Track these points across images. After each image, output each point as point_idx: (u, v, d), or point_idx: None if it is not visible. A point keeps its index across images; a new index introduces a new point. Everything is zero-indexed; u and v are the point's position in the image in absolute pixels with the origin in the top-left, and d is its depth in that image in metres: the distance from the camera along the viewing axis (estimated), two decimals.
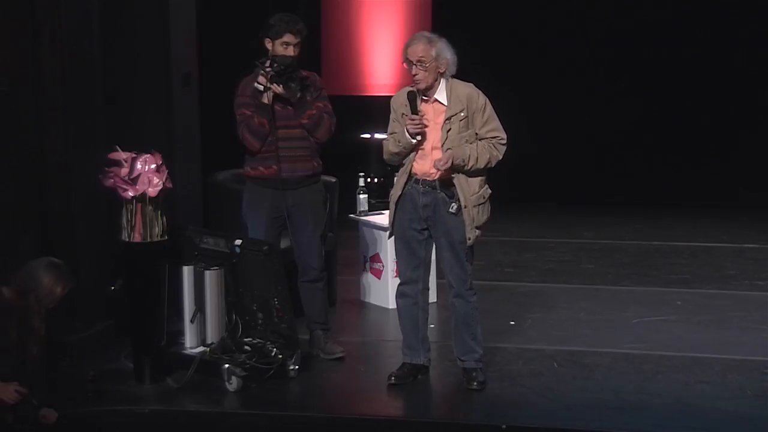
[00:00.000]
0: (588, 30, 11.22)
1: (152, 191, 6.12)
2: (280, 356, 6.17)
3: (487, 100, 6.03)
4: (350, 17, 11.33)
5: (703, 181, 10.96)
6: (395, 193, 6.11)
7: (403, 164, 6.07)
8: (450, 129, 5.95)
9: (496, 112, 6.05)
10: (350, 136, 9.83)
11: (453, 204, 5.99)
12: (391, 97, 6.20)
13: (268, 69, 6.34)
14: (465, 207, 5.97)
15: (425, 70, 5.91)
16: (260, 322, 6.28)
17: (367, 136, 10.22)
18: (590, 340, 6.96)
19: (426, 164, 6.01)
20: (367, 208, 7.95)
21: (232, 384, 6.06)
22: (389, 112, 6.15)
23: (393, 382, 6.20)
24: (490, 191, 6.07)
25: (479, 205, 6.01)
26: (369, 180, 8.21)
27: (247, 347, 6.22)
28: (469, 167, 5.94)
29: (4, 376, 5.24)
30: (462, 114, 5.96)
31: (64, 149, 6.64)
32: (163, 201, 6.19)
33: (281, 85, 6.33)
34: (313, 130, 6.46)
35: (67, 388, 5.99)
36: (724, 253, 9.19)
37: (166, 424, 5.88)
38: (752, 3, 10.80)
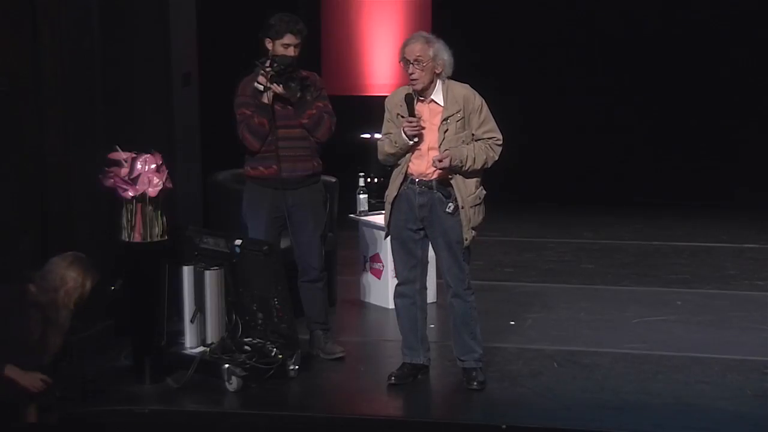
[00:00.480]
0: (588, 30, 11.22)
1: (152, 191, 6.12)
2: (280, 356, 6.17)
3: (484, 101, 6.03)
4: (350, 17, 11.33)
5: (703, 181, 10.96)
6: (391, 193, 6.11)
7: (399, 164, 6.07)
8: (447, 130, 5.95)
9: (492, 112, 6.05)
10: (350, 136, 9.83)
11: (450, 204, 5.99)
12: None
13: (268, 69, 6.34)
14: (462, 207, 5.97)
15: (422, 70, 5.91)
16: (260, 322, 6.28)
17: (367, 136, 10.21)
18: (590, 340, 6.96)
19: (422, 164, 6.01)
20: (367, 208, 7.95)
21: (232, 384, 6.06)
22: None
23: (393, 382, 6.20)
24: (485, 192, 6.08)
25: (475, 205, 6.02)
26: (369, 180, 8.20)
27: (247, 347, 6.22)
28: (466, 168, 5.94)
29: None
30: (458, 115, 5.96)
31: (64, 149, 6.64)
32: (163, 201, 6.19)
33: (281, 85, 6.33)
34: (313, 129, 6.46)
35: (67, 388, 5.98)
36: (724, 253, 9.19)
37: (166, 424, 5.88)
38: (751, 3, 10.80)
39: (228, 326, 6.33)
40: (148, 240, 6.18)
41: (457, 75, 6.05)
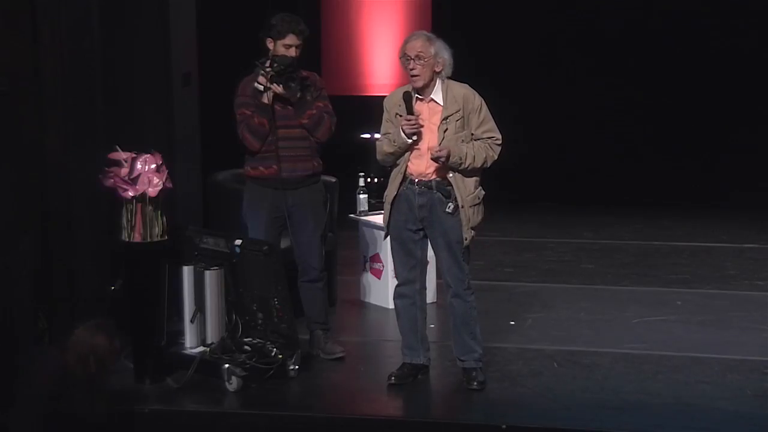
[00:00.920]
0: (588, 30, 11.22)
1: (152, 191, 6.12)
2: (280, 356, 6.17)
3: (483, 100, 6.03)
4: (350, 17, 11.34)
5: (703, 181, 10.96)
6: (390, 193, 6.11)
7: (398, 164, 6.07)
8: (446, 129, 5.95)
9: (492, 112, 6.06)
10: (350, 136, 9.82)
11: (449, 204, 5.99)
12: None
13: (268, 69, 6.34)
14: (462, 207, 5.97)
15: (423, 66, 5.92)
16: (260, 322, 6.28)
17: (367, 136, 10.20)
18: (590, 340, 6.96)
19: (422, 164, 6.01)
20: (367, 208, 7.95)
21: (232, 384, 6.06)
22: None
23: (393, 382, 6.20)
24: (483, 192, 6.08)
25: (475, 205, 6.02)
26: (369, 180, 8.20)
27: (247, 347, 6.22)
28: (465, 166, 5.94)
29: None
30: (458, 114, 5.96)
31: (64, 149, 6.64)
32: (163, 201, 6.19)
33: (281, 85, 6.33)
34: (314, 129, 6.46)
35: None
36: (724, 253, 9.19)
37: (166, 424, 5.88)
38: (749, 3, 10.80)
39: (228, 326, 6.33)
40: (148, 240, 6.18)
41: (457, 75, 6.05)
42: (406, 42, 6.00)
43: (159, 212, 6.18)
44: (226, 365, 6.08)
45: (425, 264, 6.26)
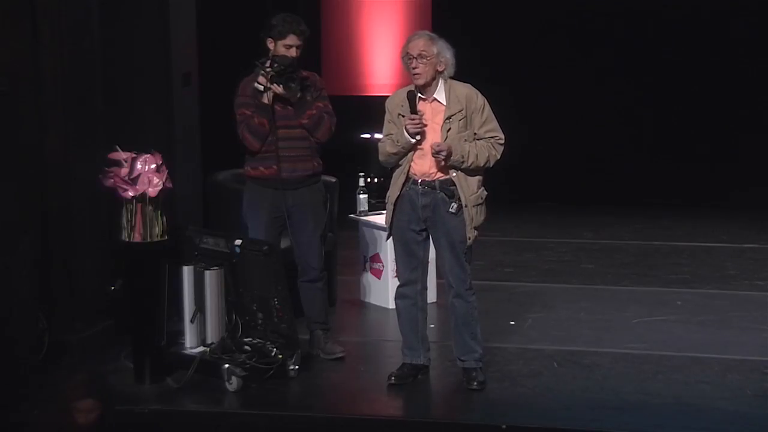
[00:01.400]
0: (588, 30, 11.22)
1: (152, 191, 6.12)
2: (280, 356, 6.16)
3: (486, 100, 6.04)
4: (350, 17, 11.34)
5: (703, 181, 10.96)
6: (393, 193, 6.11)
7: (400, 165, 6.07)
8: (449, 129, 5.95)
9: (494, 112, 6.06)
10: (350, 136, 9.83)
11: (453, 204, 5.99)
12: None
13: (268, 69, 6.34)
14: (465, 206, 5.97)
15: (425, 65, 5.92)
16: (260, 322, 6.28)
17: (367, 136, 10.21)
18: (590, 340, 6.96)
19: (425, 164, 6.01)
20: (367, 208, 7.96)
21: (232, 384, 6.06)
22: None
23: (393, 382, 6.20)
24: (486, 193, 6.09)
25: (478, 205, 6.02)
26: (369, 180, 8.20)
27: (247, 347, 6.22)
28: (468, 164, 5.95)
29: None
30: (461, 114, 5.96)
31: (64, 149, 6.64)
32: (163, 201, 6.19)
33: (281, 85, 6.33)
34: (314, 130, 6.46)
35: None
36: (724, 253, 9.19)
37: (166, 424, 5.88)
38: (749, 4, 10.81)
39: (228, 326, 6.33)
40: (148, 240, 6.18)
41: (457, 75, 6.06)
42: (408, 41, 6.00)
43: (159, 212, 6.18)
44: (226, 365, 6.08)
45: (426, 264, 6.26)
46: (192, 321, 6.33)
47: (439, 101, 6.00)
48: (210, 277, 6.28)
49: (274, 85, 6.33)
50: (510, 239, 9.69)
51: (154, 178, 6.13)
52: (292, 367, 6.23)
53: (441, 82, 6.00)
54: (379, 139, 6.20)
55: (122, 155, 6.14)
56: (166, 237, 6.22)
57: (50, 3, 6.54)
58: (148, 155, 6.17)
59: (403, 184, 6.06)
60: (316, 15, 11.09)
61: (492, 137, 6.02)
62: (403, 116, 5.98)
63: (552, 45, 11.22)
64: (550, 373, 6.37)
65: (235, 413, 5.94)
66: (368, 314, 7.72)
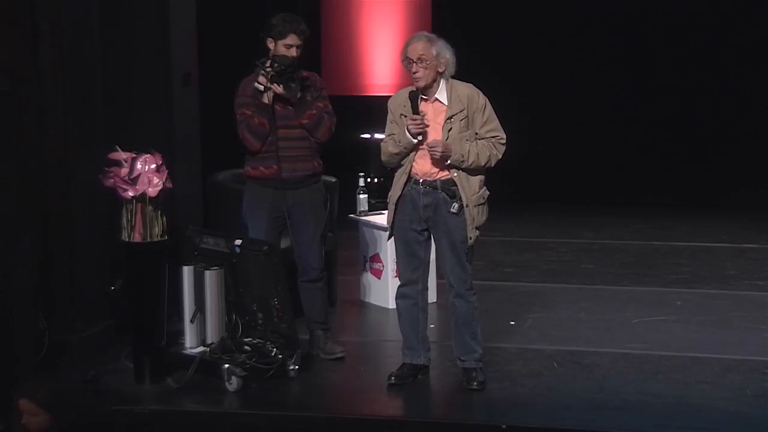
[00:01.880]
0: (588, 30, 11.21)
1: (152, 191, 6.12)
2: (280, 356, 6.17)
3: (487, 100, 6.04)
4: (350, 17, 11.34)
5: (703, 181, 10.96)
6: (394, 193, 6.11)
7: (402, 165, 6.07)
8: (451, 129, 5.96)
9: (495, 112, 6.06)
10: (350, 136, 9.82)
11: (454, 204, 5.99)
12: (390, 97, 6.20)
13: (268, 69, 6.34)
14: (466, 206, 5.97)
15: (425, 68, 5.92)
16: (260, 322, 6.28)
17: (367, 136, 10.22)
18: (590, 340, 6.96)
19: (426, 164, 6.01)
20: (367, 208, 7.96)
21: (232, 384, 6.06)
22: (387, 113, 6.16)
23: (393, 382, 6.20)
24: (488, 193, 6.08)
25: (479, 205, 6.02)
26: (369, 180, 8.20)
27: (247, 347, 6.22)
28: (469, 164, 5.95)
29: None
30: (462, 114, 5.96)
31: (64, 149, 6.64)
32: (163, 201, 6.19)
33: (281, 85, 6.33)
34: (314, 130, 6.46)
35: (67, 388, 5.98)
36: (724, 253, 9.19)
37: (166, 424, 5.88)
38: (749, 3, 10.81)
39: (228, 326, 6.33)
40: (148, 240, 6.18)
41: (458, 75, 6.06)
42: (407, 44, 5.99)
43: (159, 212, 6.18)
44: (226, 365, 6.08)
45: (427, 264, 6.26)
46: (192, 321, 6.33)
47: (440, 101, 6.00)
48: (210, 277, 6.28)
49: (275, 85, 6.33)
50: (510, 239, 9.70)
51: (154, 178, 6.13)
52: (292, 367, 6.23)
53: (442, 83, 6.00)
54: (380, 140, 6.20)
55: (122, 155, 6.15)
56: (166, 237, 6.23)
57: (50, 3, 6.54)
58: (148, 155, 6.18)
59: (405, 184, 6.06)
60: (316, 15, 11.08)
61: (493, 137, 6.02)
62: (405, 116, 5.99)
63: (552, 45, 11.21)
64: (550, 373, 6.37)
65: (235, 413, 5.94)
66: (368, 314, 7.72)
